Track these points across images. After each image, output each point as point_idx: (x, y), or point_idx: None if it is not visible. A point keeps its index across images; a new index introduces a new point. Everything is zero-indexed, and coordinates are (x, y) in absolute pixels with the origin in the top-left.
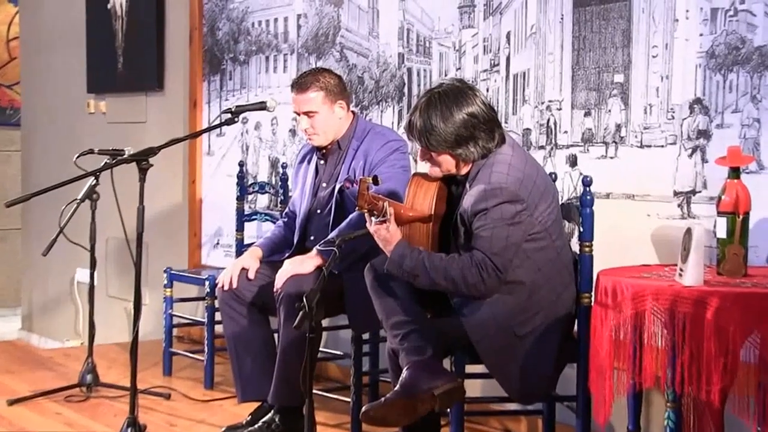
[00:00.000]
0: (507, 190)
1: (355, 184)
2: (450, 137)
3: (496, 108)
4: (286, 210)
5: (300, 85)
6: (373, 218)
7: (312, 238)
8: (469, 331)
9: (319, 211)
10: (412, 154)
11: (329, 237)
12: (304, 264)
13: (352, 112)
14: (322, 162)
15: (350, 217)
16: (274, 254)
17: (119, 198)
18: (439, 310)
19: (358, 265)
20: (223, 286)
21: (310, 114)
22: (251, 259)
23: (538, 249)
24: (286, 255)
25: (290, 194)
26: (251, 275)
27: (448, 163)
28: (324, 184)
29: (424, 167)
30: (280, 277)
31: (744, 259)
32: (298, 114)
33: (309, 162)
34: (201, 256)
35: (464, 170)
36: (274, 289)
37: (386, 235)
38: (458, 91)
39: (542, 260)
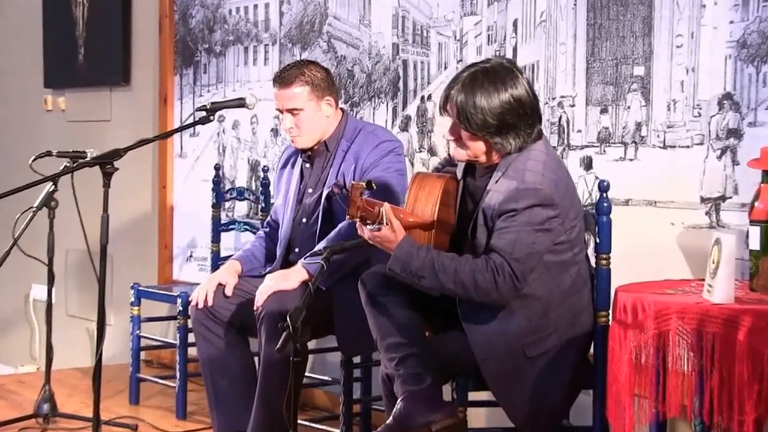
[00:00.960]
0: (542, 192)
1: (345, 190)
2: (492, 122)
3: None
4: (268, 219)
5: (283, 79)
6: (367, 226)
7: (297, 250)
8: (474, 348)
9: (304, 220)
10: (409, 156)
11: (316, 249)
12: (288, 279)
13: (341, 109)
14: (307, 165)
15: (340, 226)
16: (255, 268)
17: (81, 206)
18: (441, 326)
19: (348, 280)
20: (197, 304)
21: (294, 112)
22: (228, 274)
23: (559, 262)
24: (268, 269)
25: (272, 201)
26: (228, 292)
27: (477, 149)
28: (310, 190)
29: (428, 165)
30: (261, 294)
31: None
32: (281, 112)
33: (293, 165)
34: (172, 271)
35: (492, 161)
36: (255, 307)
37: (387, 234)
38: (507, 72)
39: (562, 275)
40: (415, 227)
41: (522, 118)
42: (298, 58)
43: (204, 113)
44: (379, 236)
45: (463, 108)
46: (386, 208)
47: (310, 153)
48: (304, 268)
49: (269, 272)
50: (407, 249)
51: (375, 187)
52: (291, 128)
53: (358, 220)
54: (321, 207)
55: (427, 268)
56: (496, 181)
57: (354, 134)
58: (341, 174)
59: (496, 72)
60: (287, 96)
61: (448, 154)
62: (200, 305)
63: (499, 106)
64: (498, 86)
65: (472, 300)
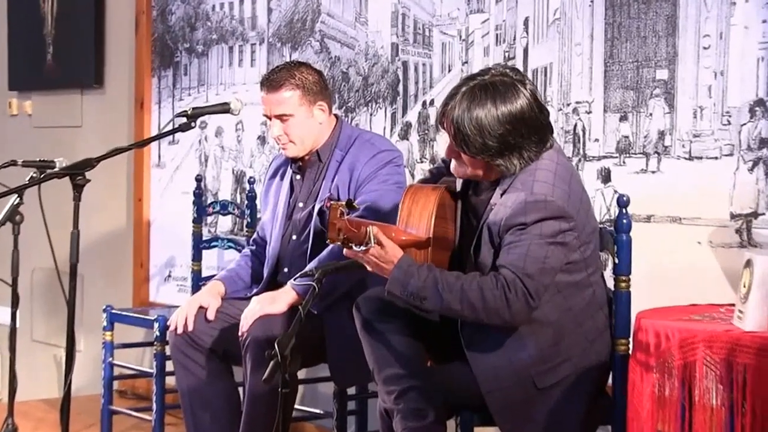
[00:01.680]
0: (553, 204)
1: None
2: (493, 144)
3: None
4: (254, 236)
5: (271, 82)
6: (354, 248)
7: (286, 270)
8: (479, 380)
9: (294, 237)
10: (409, 167)
11: (307, 269)
12: (276, 302)
13: (335, 115)
14: (298, 177)
15: (331, 246)
16: (240, 290)
17: (48, 220)
18: (443, 355)
19: (342, 303)
20: (176, 329)
21: (284, 118)
22: (210, 296)
23: (572, 283)
24: (254, 291)
25: (259, 216)
26: (210, 316)
27: (479, 169)
28: (300, 204)
29: (422, 180)
30: (247, 318)
31: None
32: (269, 118)
33: (282, 177)
34: (149, 292)
35: (496, 176)
36: (239, 333)
37: (380, 253)
38: (507, 86)
39: (575, 297)
40: (409, 246)
41: (527, 137)
42: (287, 59)
43: (184, 119)
44: (372, 257)
45: (459, 130)
46: (374, 228)
47: (300, 163)
48: (294, 289)
49: (255, 294)
50: (406, 267)
51: (358, 207)
52: (280, 136)
53: (340, 243)
54: (312, 223)
55: (429, 287)
56: (502, 194)
57: (349, 143)
58: (335, 187)
59: (495, 87)
60: (276, 101)
61: (442, 159)
62: (179, 330)
63: (499, 126)
64: (498, 104)
65: (481, 322)
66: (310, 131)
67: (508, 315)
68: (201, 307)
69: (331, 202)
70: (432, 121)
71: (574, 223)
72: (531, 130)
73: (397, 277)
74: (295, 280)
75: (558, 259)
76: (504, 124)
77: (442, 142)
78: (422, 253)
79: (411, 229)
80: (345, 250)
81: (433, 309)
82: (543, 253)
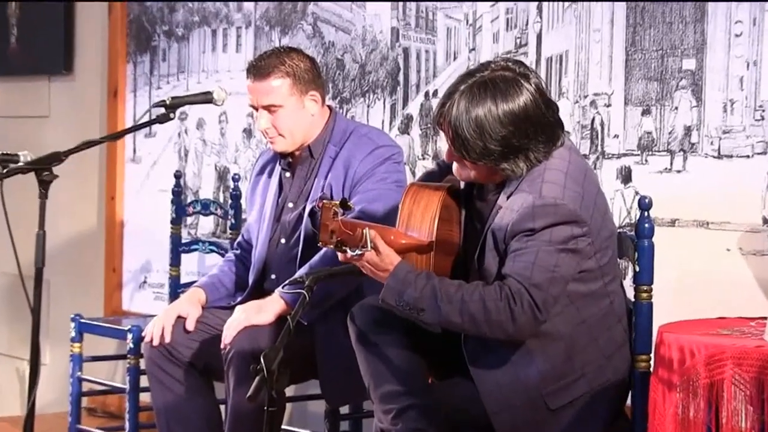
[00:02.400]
0: (564, 208)
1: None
2: (495, 148)
3: None
4: (239, 239)
5: (259, 69)
6: (349, 252)
7: (273, 276)
8: (485, 399)
9: (283, 241)
10: (410, 164)
11: (296, 276)
12: (263, 311)
13: (329, 107)
14: (287, 174)
15: (325, 249)
16: (222, 298)
17: (11, 220)
18: (445, 371)
19: (335, 313)
20: (151, 341)
21: (272, 109)
22: (190, 305)
23: (586, 294)
24: (239, 299)
25: (244, 217)
26: (190, 326)
27: (483, 172)
28: (290, 205)
29: (423, 179)
30: (230, 329)
31: None
32: (256, 108)
33: (270, 174)
34: (122, 300)
35: (500, 179)
36: (222, 345)
37: (376, 260)
38: (509, 83)
39: (589, 309)
40: (409, 250)
41: (533, 137)
42: (277, 44)
43: (162, 109)
44: (366, 262)
45: (458, 134)
46: (370, 231)
47: (290, 159)
48: (282, 298)
49: (240, 303)
50: (403, 276)
51: (352, 207)
52: (267, 129)
53: (333, 246)
54: (303, 225)
55: (427, 297)
56: (508, 197)
57: (344, 138)
58: (328, 185)
59: (495, 84)
60: (264, 90)
61: None
62: (155, 342)
63: (501, 128)
64: (498, 102)
65: (484, 336)
66: (301, 124)
67: (512, 329)
68: (179, 317)
69: (324, 201)
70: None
71: (588, 228)
72: (537, 129)
73: (392, 287)
74: (283, 287)
75: (569, 267)
76: (506, 125)
77: (442, 143)
78: (424, 259)
79: (412, 232)
80: (339, 255)
81: (432, 322)
82: (552, 261)
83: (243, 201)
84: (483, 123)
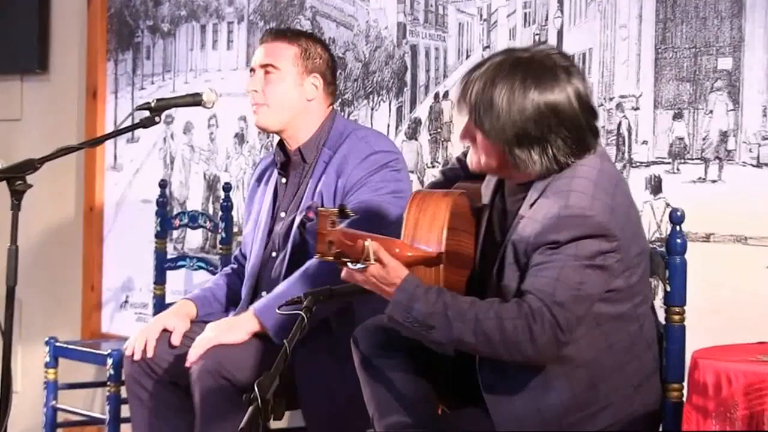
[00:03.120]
0: (592, 220)
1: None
2: (509, 129)
3: None
4: (236, 252)
5: (273, 32)
6: (350, 265)
7: (264, 293)
8: (500, 430)
9: (274, 254)
10: (418, 172)
11: (274, 293)
12: (234, 330)
13: (331, 108)
14: (283, 180)
15: (308, 264)
16: (214, 313)
17: None
18: (456, 399)
19: (318, 335)
20: (133, 354)
21: (269, 69)
22: (177, 318)
23: (615, 316)
24: (232, 315)
25: (236, 230)
26: (175, 341)
27: (491, 158)
28: (282, 214)
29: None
30: (197, 347)
31: None
32: (253, 70)
33: (268, 181)
34: (100, 321)
35: (515, 177)
36: (186, 364)
37: (381, 273)
38: (546, 70)
39: (617, 333)
40: (417, 263)
41: (555, 131)
42: None
43: (147, 113)
44: (371, 276)
45: (478, 102)
46: (373, 243)
47: (286, 160)
48: (256, 317)
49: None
50: (411, 291)
51: (353, 215)
52: (255, 91)
53: (331, 258)
54: (292, 237)
55: (437, 314)
56: (531, 205)
57: (339, 140)
58: (318, 194)
59: (531, 66)
60: (269, 49)
61: (458, 157)
62: (137, 356)
63: (520, 111)
64: (528, 85)
65: (500, 358)
66: (292, 101)
67: (531, 350)
68: (165, 330)
69: (320, 209)
70: (446, 116)
71: (618, 244)
72: (563, 125)
73: (399, 302)
74: (279, 307)
75: (596, 285)
76: (529, 110)
77: (459, 123)
78: (433, 272)
79: (419, 244)
80: (343, 272)
81: (443, 341)
82: (578, 278)
83: (234, 213)
84: (506, 97)
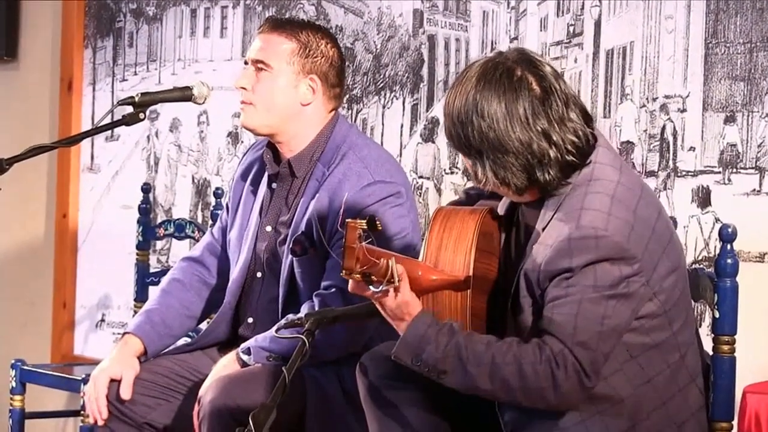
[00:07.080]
0: (607, 240)
1: (312, 250)
2: (463, 141)
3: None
4: (199, 250)
5: (272, 22)
6: (372, 288)
7: (250, 320)
8: None
9: (259, 275)
10: (435, 179)
11: (295, 317)
12: (229, 366)
13: (334, 113)
14: (273, 185)
15: (326, 293)
16: (166, 344)
17: None
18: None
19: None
20: (96, 422)
21: (260, 66)
22: (122, 364)
23: (650, 346)
24: (195, 343)
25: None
26: (125, 394)
27: (478, 175)
28: (268, 228)
29: (459, 191)
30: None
31: None
32: (246, 63)
33: (256, 184)
34: (73, 343)
35: (525, 197)
36: (196, 408)
37: (391, 305)
38: (509, 74)
39: (655, 366)
40: (441, 288)
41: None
42: None
43: (129, 108)
44: (384, 305)
45: (444, 114)
46: (399, 266)
47: (274, 160)
48: (239, 362)
49: (217, 346)
50: (423, 330)
51: (380, 228)
52: (244, 88)
53: (358, 277)
54: (284, 265)
55: (450, 357)
56: (544, 227)
57: (335, 156)
58: (306, 222)
59: (499, 76)
60: (264, 41)
61: None
62: (99, 422)
63: (509, 138)
64: (499, 102)
65: (519, 405)
66: (282, 105)
67: (554, 398)
68: (113, 381)
69: (348, 220)
70: None
71: (640, 265)
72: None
73: (409, 343)
74: (277, 330)
75: (622, 316)
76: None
77: None
78: (459, 298)
79: (444, 266)
80: (351, 282)
81: (456, 386)
82: (600, 311)
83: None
84: (464, 106)
